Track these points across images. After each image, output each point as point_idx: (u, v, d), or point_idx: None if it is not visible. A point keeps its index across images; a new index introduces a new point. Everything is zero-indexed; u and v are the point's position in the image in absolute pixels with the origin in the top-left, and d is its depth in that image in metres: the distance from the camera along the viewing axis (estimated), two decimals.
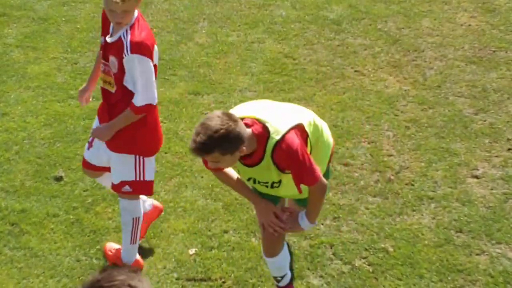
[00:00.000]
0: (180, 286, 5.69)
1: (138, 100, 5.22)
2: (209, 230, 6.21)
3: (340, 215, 6.35)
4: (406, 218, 6.32)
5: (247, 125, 4.58)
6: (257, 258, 5.91)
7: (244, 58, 8.79)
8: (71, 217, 6.33)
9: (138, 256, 5.84)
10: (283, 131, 4.61)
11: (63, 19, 9.57)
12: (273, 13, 9.81)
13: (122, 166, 5.50)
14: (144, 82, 5.20)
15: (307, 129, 4.76)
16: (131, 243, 5.74)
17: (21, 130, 7.43)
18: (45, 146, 7.22)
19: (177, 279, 5.76)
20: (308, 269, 5.82)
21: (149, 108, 5.32)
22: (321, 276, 5.76)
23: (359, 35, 9.32)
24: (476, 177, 6.80)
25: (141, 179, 5.52)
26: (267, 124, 4.62)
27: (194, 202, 6.51)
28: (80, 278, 5.74)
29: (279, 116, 4.72)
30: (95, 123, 5.63)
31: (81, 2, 10.06)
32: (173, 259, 5.92)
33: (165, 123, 7.55)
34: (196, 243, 6.08)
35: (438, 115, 7.67)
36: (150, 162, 5.56)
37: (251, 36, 9.27)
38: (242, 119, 4.62)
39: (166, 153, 7.10)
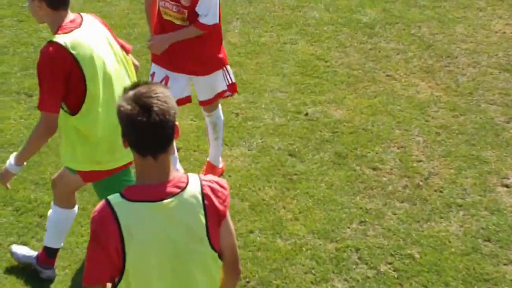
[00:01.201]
0: None
1: (209, 20, 6.12)
2: (235, 230, 6.20)
3: (367, 219, 6.33)
4: (433, 225, 6.29)
5: None
6: (282, 260, 5.91)
7: (276, 59, 8.79)
8: None
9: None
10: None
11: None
12: (307, 14, 9.80)
13: (216, 82, 6.47)
14: (214, 5, 6.13)
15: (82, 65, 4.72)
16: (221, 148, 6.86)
17: None
18: None
19: None
20: (333, 272, 5.81)
21: (215, 26, 6.20)
22: (345, 280, 5.75)
23: (392, 39, 9.29)
24: (506, 186, 6.76)
25: (231, 81, 6.55)
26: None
27: None
28: None
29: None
30: (156, 69, 6.41)
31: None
32: None
33: (195, 121, 7.57)
34: None
35: (469, 122, 7.63)
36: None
37: (284, 37, 9.27)
38: None
39: (195, 151, 7.13)
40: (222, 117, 6.77)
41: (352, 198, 6.58)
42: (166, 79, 6.37)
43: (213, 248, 3.43)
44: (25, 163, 5.06)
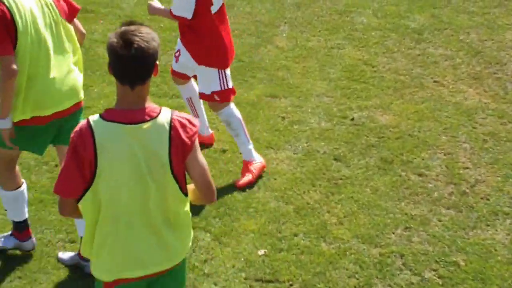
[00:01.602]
0: (248, 286, 5.73)
1: (174, 10, 6.54)
2: (279, 232, 6.25)
3: (412, 226, 6.32)
4: (479, 232, 6.26)
5: None
6: (326, 263, 5.92)
7: (323, 63, 8.81)
8: None
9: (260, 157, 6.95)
10: None
11: (148, 17, 9.72)
12: (354, 20, 9.81)
13: (211, 78, 6.72)
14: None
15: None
16: (248, 143, 6.88)
17: None
18: None
19: (245, 278, 5.81)
20: (377, 277, 5.81)
21: (190, 22, 6.53)
22: (389, 286, 5.74)
23: (440, 45, 9.26)
24: None
25: (226, 87, 6.77)
26: None
27: (266, 204, 6.56)
28: None
29: None
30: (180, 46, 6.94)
31: (166, 2, 10.20)
32: (242, 259, 5.97)
33: None
34: (266, 244, 6.12)
35: None
36: (228, 71, 6.80)
37: (331, 41, 9.29)
38: None
39: (240, 153, 7.17)
40: (236, 114, 6.89)
41: (397, 203, 6.57)
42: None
43: (174, 177, 3.89)
44: (9, 114, 5.24)
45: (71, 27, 5.48)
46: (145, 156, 3.81)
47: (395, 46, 9.24)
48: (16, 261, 5.94)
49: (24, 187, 5.89)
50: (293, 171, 6.97)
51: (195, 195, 4.14)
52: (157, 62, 3.86)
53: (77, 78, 5.49)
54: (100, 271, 4.05)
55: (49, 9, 5.31)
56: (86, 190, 3.81)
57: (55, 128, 5.48)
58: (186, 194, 4.02)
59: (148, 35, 3.76)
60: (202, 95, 6.86)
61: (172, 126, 3.85)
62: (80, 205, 3.88)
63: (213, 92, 6.76)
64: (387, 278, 5.80)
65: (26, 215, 5.98)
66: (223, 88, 6.75)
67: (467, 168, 7.02)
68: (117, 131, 3.79)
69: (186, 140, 3.87)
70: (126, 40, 3.70)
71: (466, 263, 5.93)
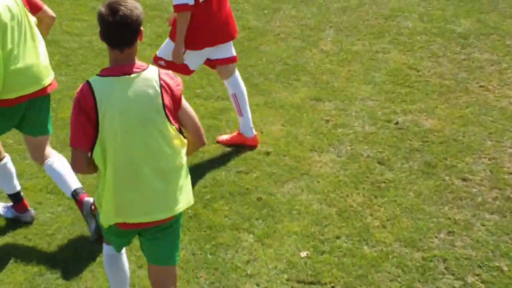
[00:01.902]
0: (290, 287, 5.77)
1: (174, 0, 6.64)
2: (322, 235, 6.28)
3: (455, 230, 6.31)
4: None
5: None
6: (368, 266, 5.93)
7: (367, 67, 8.82)
8: (190, 211, 6.51)
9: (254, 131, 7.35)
10: None
11: None
12: (400, 24, 9.80)
13: (167, 46, 7.02)
14: None
15: None
16: (240, 116, 7.27)
17: None
18: None
19: (287, 280, 5.84)
20: (419, 281, 5.81)
21: (185, 7, 6.59)
22: None
23: (486, 50, 9.22)
24: None
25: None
26: None
27: (309, 206, 6.59)
28: (194, 271, 5.90)
29: None
30: None
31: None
32: (285, 260, 6.01)
33: (285, 126, 7.66)
34: (308, 246, 6.15)
35: None
36: (195, 54, 6.94)
37: (376, 46, 9.29)
38: None
39: (284, 156, 7.21)
40: (239, 86, 7.25)
41: (440, 208, 6.56)
42: None
43: (169, 120, 4.45)
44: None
45: (33, 19, 5.88)
46: (140, 104, 4.38)
47: (440, 50, 9.22)
48: (63, 258, 6.04)
49: (6, 160, 6.32)
50: (336, 174, 7.00)
51: (188, 145, 4.66)
52: (141, 28, 4.40)
53: (42, 65, 5.90)
54: (106, 217, 4.61)
55: (16, 3, 5.71)
56: (95, 142, 4.39)
57: (19, 114, 5.95)
58: (184, 136, 4.59)
59: (131, 4, 4.32)
60: (154, 56, 7.22)
61: (160, 77, 4.45)
62: (94, 158, 4.45)
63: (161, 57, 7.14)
64: (429, 282, 5.80)
65: (18, 188, 6.37)
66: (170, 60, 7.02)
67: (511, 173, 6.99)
68: (112, 83, 4.39)
69: (174, 87, 4.49)
70: (112, 9, 4.28)
71: (509, 268, 5.90)
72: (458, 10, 10.35)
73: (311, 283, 5.80)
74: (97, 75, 4.48)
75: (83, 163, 4.49)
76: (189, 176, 4.69)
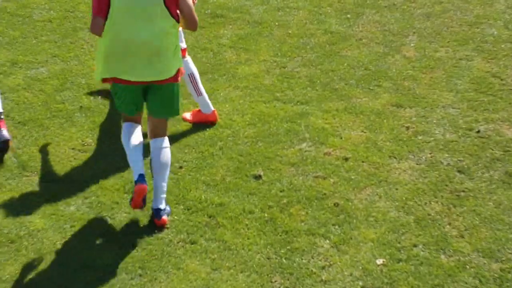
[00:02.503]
0: None
1: None
2: (399, 243, 6.23)
3: None
4: None
5: None
6: (444, 276, 5.86)
7: (450, 75, 8.70)
8: (266, 215, 6.53)
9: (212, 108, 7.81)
10: None
11: (276, 23, 9.84)
12: (484, 31, 9.65)
13: None
14: None
15: None
16: (198, 96, 7.73)
17: (227, 127, 7.72)
18: (247, 144, 7.47)
19: (362, 287, 5.81)
20: None
21: None
22: None
23: None
24: None
25: None
26: None
27: (386, 213, 6.54)
28: (269, 275, 5.92)
29: None
30: None
31: (295, 9, 10.30)
32: (360, 267, 5.98)
33: (365, 132, 7.62)
34: (385, 253, 6.11)
35: None
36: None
37: (460, 53, 9.16)
38: None
39: (363, 162, 7.17)
40: (193, 67, 7.73)
41: None
42: None
43: (167, 8, 6.00)
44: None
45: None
46: None
47: None
48: (137, 258, 6.13)
49: None
50: (415, 182, 6.93)
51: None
52: None
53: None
54: (101, 73, 6.24)
55: None
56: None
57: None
58: (177, 21, 6.07)
59: None
60: None
61: None
62: (105, 25, 6.00)
63: None
64: None
65: None
66: None
67: None
68: None
69: None
70: None
71: None
72: None
73: None
74: None
75: (100, 28, 6.02)
76: (178, 55, 6.25)
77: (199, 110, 7.83)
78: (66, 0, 10.35)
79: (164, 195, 6.47)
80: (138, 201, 6.26)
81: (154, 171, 6.51)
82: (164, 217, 6.40)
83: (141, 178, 6.25)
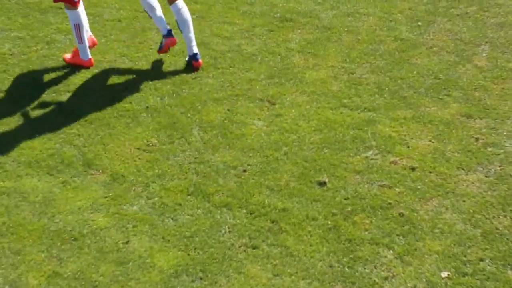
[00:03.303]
0: None
1: None
2: (465, 256, 6.09)
3: None
4: None
5: None
6: None
7: None
8: (329, 222, 6.45)
9: (90, 55, 8.92)
10: None
11: (346, 29, 9.75)
12: None
13: None
14: None
15: None
16: (79, 43, 8.75)
17: (292, 132, 7.66)
18: (312, 150, 7.39)
19: None
20: None
21: None
22: None
23: None
24: None
25: None
26: None
27: (452, 225, 6.41)
28: (331, 284, 5.84)
29: None
30: None
31: (365, 15, 10.19)
32: (424, 280, 5.86)
33: (433, 142, 7.48)
34: (450, 266, 5.98)
35: None
36: None
37: None
38: None
39: (430, 172, 7.04)
40: (76, 19, 8.63)
41: None
42: None
43: None
44: None
45: None
46: None
47: None
48: (198, 261, 6.10)
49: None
50: (483, 194, 6.77)
51: None
52: None
53: None
54: None
55: None
56: None
57: None
58: None
59: None
60: None
61: None
62: None
63: None
64: None
65: None
66: None
67: None
68: None
69: None
70: None
71: None
72: None
73: None
74: None
75: None
76: None
77: (78, 54, 8.88)
78: (136, 0, 10.41)
79: (195, 42, 8.77)
80: (166, 50, 8.76)
81: (180, 27, 8.63)
82: (200, 60, 8.79)
83: (170, 32, 8.66)
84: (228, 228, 6.41)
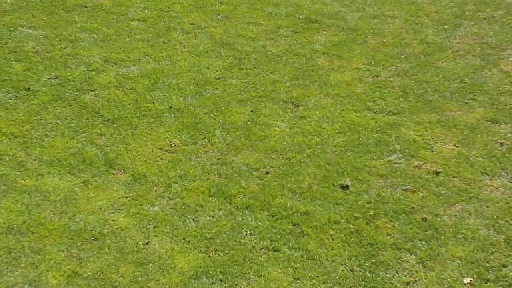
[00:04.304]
0: None
1: None
2: (487, 262, 6.02)
3: None
4: None
5: None
6: None
7: None
8: (351, 226, 6.40)
9: None
10: None
11: (371, 31, 9.70)
12: None
13: None
14: None
15: None
16: None
17: (316, 134, 7.61)
18: (336, 153, 7.35)
19: None
20: None
21: None
22: None
23: None
24: None
25: None
26: None
27: (475, 231, 6.34)
28: None
29: None
30: None
31: (391, 17, 10.14)
32: (446, 285, 5.80)
33: (457, 146, 7.41)
34: (472, 272, 5.91)
35: None
36: None
37: None
38: None
39: (454, 177, 6.97)
40: None
41: None
42: None
43: None
44: None
45: None
46: None
47: None
48: (219, 263, 6.07)
49: None
50: (507, 200, 6.70)
51: None
52: None
53: None
54: None
55: None
56: None
57: None
58: None
59: None
60: None
61: None
62: None
63: None
64: None
65: None
66: None
67: None
68: None
69: None
70: None
71: None
72: None
73: None
74: None
75: None
76: None
77: None
78: None
79: None
80: None
81: None
82: None
83: None
84: (250, 230, 6.38)
